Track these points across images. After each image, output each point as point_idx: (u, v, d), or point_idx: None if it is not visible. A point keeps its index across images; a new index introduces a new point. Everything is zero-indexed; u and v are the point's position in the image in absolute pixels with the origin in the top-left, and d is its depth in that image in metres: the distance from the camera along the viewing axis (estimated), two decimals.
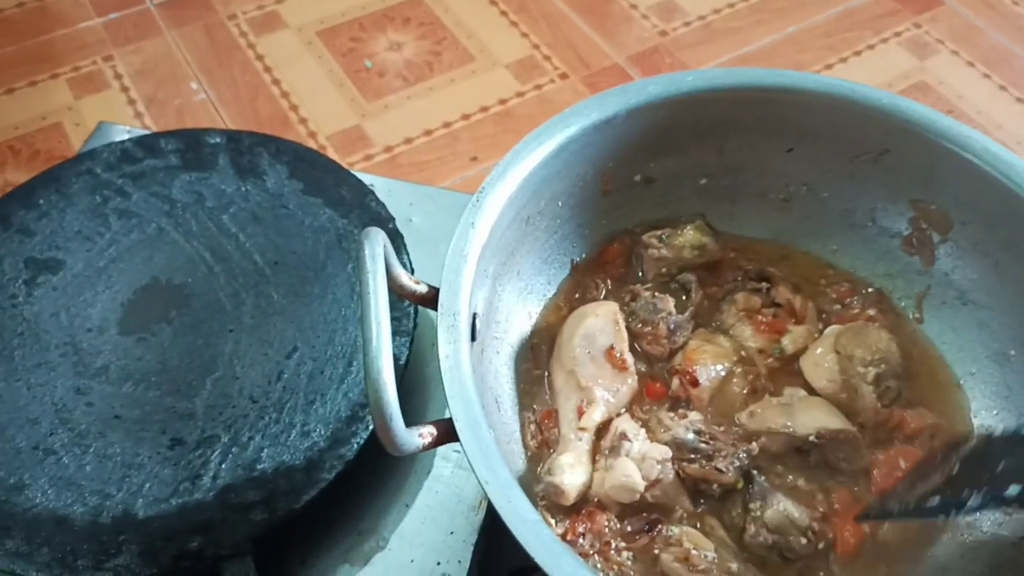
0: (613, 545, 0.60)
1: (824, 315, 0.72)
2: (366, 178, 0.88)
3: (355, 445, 0.63)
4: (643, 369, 0.68)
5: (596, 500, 0.61)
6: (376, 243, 0.50)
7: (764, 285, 0.71)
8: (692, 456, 0.62)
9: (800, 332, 0.69)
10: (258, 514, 0.60)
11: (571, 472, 0.60)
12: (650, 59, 1.27)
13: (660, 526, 0.61)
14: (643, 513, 0.61)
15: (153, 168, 0.78)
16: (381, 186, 0.89)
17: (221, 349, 0.68)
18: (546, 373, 0.67)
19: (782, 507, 0.61)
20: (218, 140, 0.80)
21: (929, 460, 0.59)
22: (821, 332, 0.70)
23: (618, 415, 0.65)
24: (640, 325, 0.69)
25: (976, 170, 0.65)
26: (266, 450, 0.63)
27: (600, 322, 0.66)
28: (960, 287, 0.70)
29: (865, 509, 0.61)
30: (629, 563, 0.60)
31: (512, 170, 0.63)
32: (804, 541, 0.60)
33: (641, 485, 0.60)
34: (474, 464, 0.49)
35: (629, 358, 0.66)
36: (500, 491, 0.48)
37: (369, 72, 1.22)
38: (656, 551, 0.60)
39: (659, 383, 0.68)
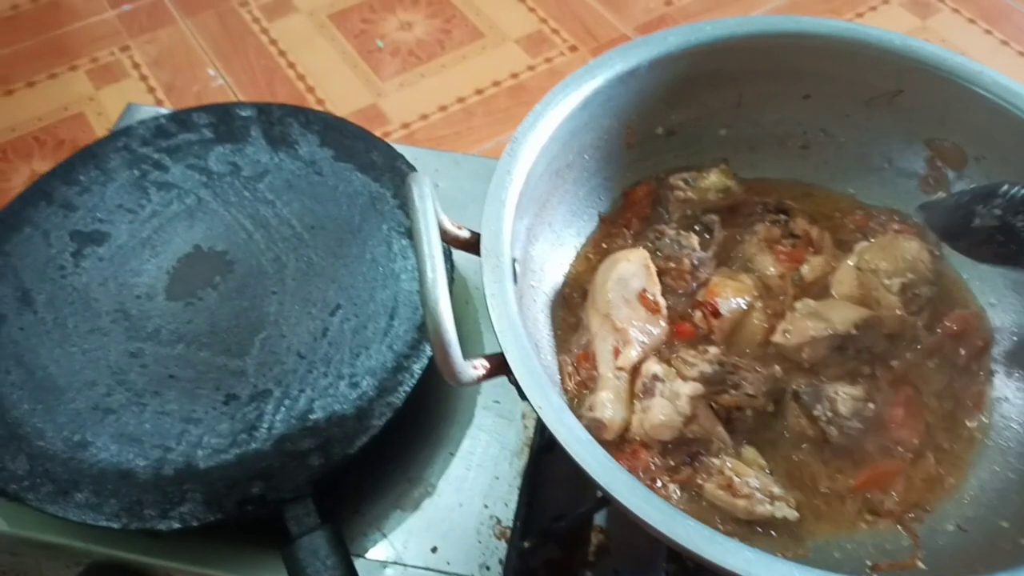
0: (659, 481, 0.63)
1: (843, 243, 0.74)
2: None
3: (403, 393, 0.65)
4: (670, 306, 0.70)
5: (638, 440, 0.64)
6: (423, 184, 0.52)
7: (782, 217, 0.73)
8: (720, 388, 0.64)
9: (818, 261, 0.71)
10: (315, 459, 0.62)
11: (612, 407, 0.63)
12: (657, 29, 1.29)
13: (701, 457, 0.63)
14: (683, 447, 0.64)
15: (188, 142, 0.80)
16: (407, 154, 0.91)
17: (266, 310, 0.71)
18: (580, 319, 0.70)
19: (843, 394, 0.64)
20: (249, 113, 0.82)
21: None
22: (838, 261, 0.72)
23: (651, 356, 0.67)
24: (665, 261, 0.71)
25: (988, 104, 0.67)
26: (317, 401, 0.65)
27: (632, 267, 0.69)
28: None
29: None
30: (676, 496, 0.62)
31: (542, 120, 0.65)
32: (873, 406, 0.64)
33: (680, 420, 0.63)
34: (527, 392, 0.51)
35: (662, 301, 0.68)
36: (555, 415, 0.51)
37: (381, 52, 1.24)
38: (700, 482, 0.62)
39: (688, 323, 0.70)
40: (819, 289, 0.71)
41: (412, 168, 0.79)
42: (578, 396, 0.66)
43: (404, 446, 0.71)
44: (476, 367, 0.52)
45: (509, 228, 0.60)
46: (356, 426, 0.64)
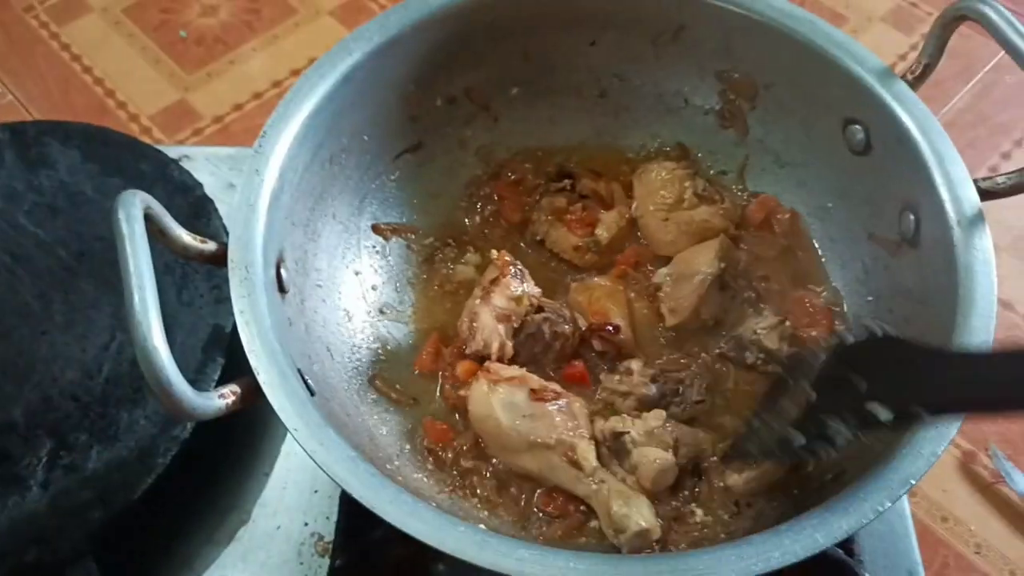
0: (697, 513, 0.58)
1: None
2: (177, 150, 0.84)
3: (188, 425, 0.60)
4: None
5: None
6: (130, 206, 0.47)
7: (567, 182, 0.70)
8: (667, 402, 0.61)
9: (611, 216, 0.69)
10: (94, 513, 0.57)
11: (637, 512, 0.54)
12: None
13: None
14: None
15: None
16: (198, 155, 0.85)
17: (35, 353, 0.64)
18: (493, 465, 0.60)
19: (760, 329, 0.62)
20: (0, 136, 0.74)
21: (775, 388, 0.54)
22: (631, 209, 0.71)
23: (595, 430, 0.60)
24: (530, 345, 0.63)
25: (765, 29, 0.65)
26: (95, 447, 0.60)
27: (505, 388, 0.59)
28: (775, 150, 0.71)
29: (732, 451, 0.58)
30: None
31: (296, 109, 0.60)
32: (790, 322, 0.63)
33: (671, 458, 0.57)
34: (281, 413, 0.47)
35: (552, 385, 0.60)
36: (311, 436, 0.47)
37: (185, 42, 1.15)
38: (719, 483, 0.58)
39: (573, 367, 0.64)
40: (622, 242, 0.69)
41: (186, 173, 0.73)
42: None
43: (211, 474, 0.66)
44: (224, 395, 0.47)
45: (261, 233, 0.54)
46: (139, 468, 0.59)
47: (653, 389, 0.61)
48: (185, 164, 0.76)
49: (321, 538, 0.64)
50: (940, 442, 0.46)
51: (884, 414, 0.44)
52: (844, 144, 0.64)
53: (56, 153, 0.74)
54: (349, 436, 0.49)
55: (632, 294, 0.68)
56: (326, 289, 0.64)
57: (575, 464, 0.56)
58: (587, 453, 0.57)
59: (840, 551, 0.57)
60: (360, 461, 0.47)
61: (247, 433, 0.68)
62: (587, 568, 0.43)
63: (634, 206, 0.69)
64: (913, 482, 0.45)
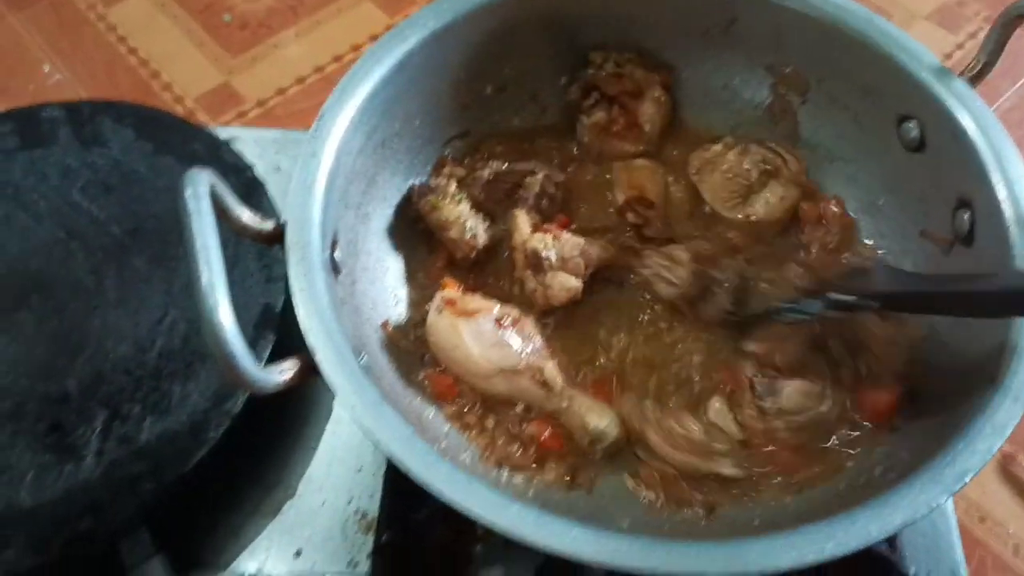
0: None
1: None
2: (226, 131, 0.84)
3: (239, 400, 0.61)
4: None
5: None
6: (198, 183, 0.47)
7: (595, 96, 0.74)
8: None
9: (647, 105, 0.73)
10: (147, 484, 0.58)
11: (611, 424, 0.60)
12: None
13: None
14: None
15: None
16: (246, 137, 0.85)
17: (89, 327, 0.65)
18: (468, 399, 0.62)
19: (791, 389, 0.62)
20: (56, 114, 0.76)
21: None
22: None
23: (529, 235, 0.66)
24: None
25: (818, 23, 0.65)
26: (148, 420, 0.61)
27: (473, 320, 0.61)
28: (826, 145, 0.71)
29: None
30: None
31: (351, 93, 0.61)
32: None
33: (579, 285, 0.64)
34: (338, 391, 0.48)
35: (508, 310, 0.62)
36: (367, 412, 0.48)
37: (230, 26, 1.16)
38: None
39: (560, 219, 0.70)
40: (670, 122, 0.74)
41: (237, 155, 0.74)
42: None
43: (259, 449, 0.67)
44: (283, 370, 0.48)
45: (318, 215, 0.55)
46: (190, 441, 0.60)
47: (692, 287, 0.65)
48: (233, 146, 0.77)
49: (364, 515, 0.65)
50: (996, 438, 0.46)
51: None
52: (897, 140, 0.63)
53: (109, 132, 0.75)
54: (400, 416, 0.50)
55: (670, 178, 0.72)
56: (376, 271, 0.65)
57: (544, 385, 0.60)
58: (554, 374, 0.61)
59: (885, 546, 0.57)
60: (416, 439, 0.47)
61: (296, 409, 0.69)
62: (640, 549, 0.43)
63: (707, 208, 0.71)
64: (968, 478, 0.45)
